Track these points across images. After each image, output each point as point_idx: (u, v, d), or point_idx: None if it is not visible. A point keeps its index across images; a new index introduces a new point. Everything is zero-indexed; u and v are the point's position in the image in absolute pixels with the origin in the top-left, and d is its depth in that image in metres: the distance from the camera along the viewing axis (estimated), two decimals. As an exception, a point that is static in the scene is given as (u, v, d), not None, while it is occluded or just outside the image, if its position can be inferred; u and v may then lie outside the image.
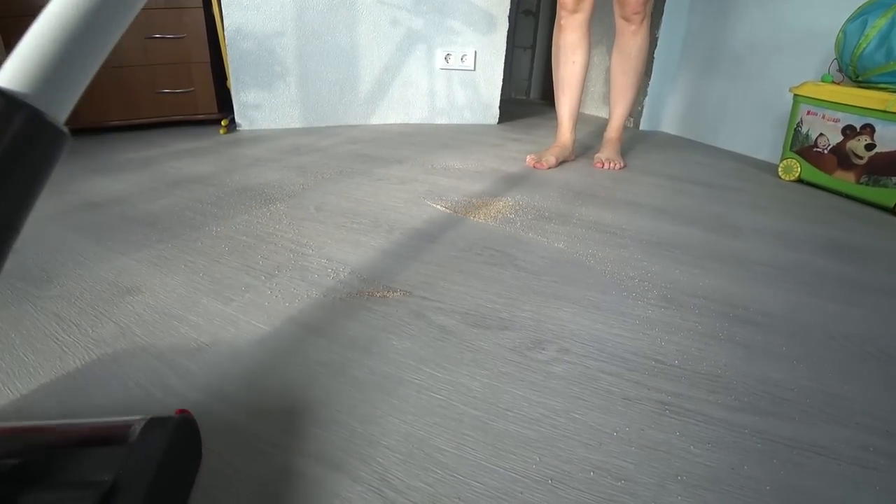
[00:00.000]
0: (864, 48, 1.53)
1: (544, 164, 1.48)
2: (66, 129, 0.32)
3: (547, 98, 4.03)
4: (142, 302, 0.67)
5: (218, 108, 2.01)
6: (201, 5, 1.84)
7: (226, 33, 1.81)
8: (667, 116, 2.77)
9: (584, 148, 1.84)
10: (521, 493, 0.39)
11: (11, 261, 0.77)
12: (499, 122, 2.42)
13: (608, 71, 1.68)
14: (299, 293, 0.68)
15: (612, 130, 1.66)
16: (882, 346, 0.68)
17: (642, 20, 1.43)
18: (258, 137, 1.80)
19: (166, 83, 1.90)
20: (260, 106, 1.97)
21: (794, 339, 0.67)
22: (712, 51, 2.43)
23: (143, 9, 1.47)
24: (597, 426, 0.46)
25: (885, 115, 1.48)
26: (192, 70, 1.92)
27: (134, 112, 1.90)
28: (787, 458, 0.46)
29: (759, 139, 2.13)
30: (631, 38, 1.47)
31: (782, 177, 1.83)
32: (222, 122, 1.94)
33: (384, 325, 0.61)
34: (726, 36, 2.35)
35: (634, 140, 2.25)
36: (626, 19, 1.43)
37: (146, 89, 1.88)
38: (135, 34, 1.79)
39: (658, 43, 2.56)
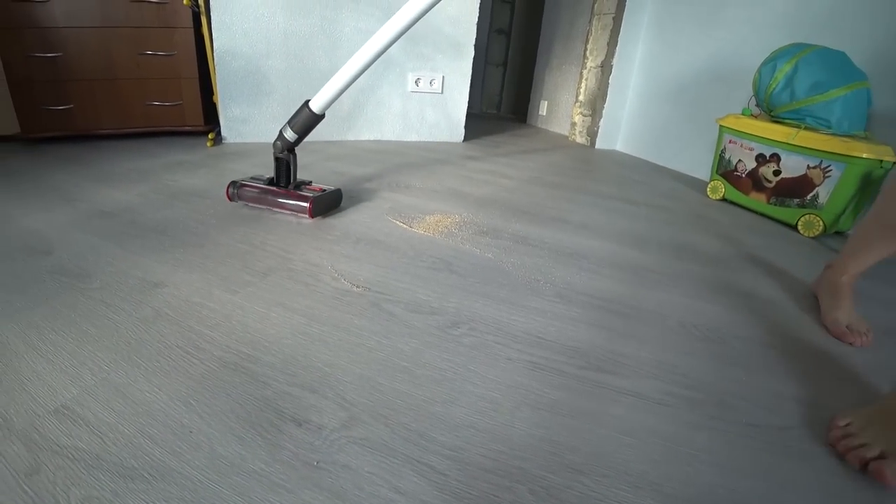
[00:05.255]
0: (774, 88, 1.82)
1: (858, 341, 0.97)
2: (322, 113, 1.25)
3: (516, 112, 4.32)
4: (168, 293, 0.90)
5: (204, 121, 2.20)
6: (191, 26, 2.04)
7: (215, 54, 2.01)
8: (621, 136, 3.05)
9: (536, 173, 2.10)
10: (428, 408, 0.64)
11: (51, 260, 0.99)
12: (464, 140, 2.67)
13: None
14: (287, 287, 0.92)
15: (848, 275, 1.05)
16: (720, 333, 0.94)
17: None
18: (243, 151, 2.01)
19: (156, 96, 2.08)
20: (246, 121, 2.18)
21: (650, 326, 0.93)
22: (661, 78, 2.72)
23: (137, 27, 1.79)
24: (482, 374, 0.72)
25: (789, 146, 1.77)
26: (181, 84, 2.11)
27: (125, 121, 2.07)
28: (609, 397, 0.71)
29: (699, 160, 2.41)
30: None
31: (710, 195, 2.13)
32: (209, 136, 2.14)
33: (350, 310, 0.85)
34: (673, 66, 2.64)
35: (588, 158, 2.51)
36: None
37: (137, 101, 2.05)
38: (129, 49, 1.96)
39: (613, 70, 2.84)
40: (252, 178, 1.36)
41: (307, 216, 1.25)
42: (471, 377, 0.71)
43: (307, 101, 1.24)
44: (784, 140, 1.75)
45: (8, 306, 0.84)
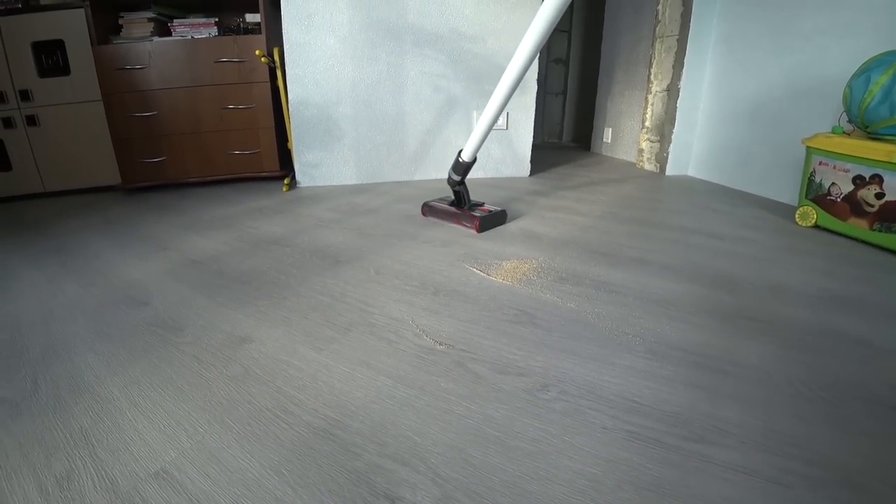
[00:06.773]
0: (869, 102, 1.67)
1: None
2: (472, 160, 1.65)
3: (578, 140, 4.26)
4: (255, 349, 0.92)
5: (280, 167, 2.33)
6: (268, 80, 2.17)
7: (290, 104, 2.13)
8: (692, 161, 2.91)
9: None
10: (524, 486, 0.60)
11: (148, 311, 1.05)
12: (530, 175, 2.64)
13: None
14: (370, 345, 0.92)
15: None
16: (836, 392, 0.83)
17: None
18: (316, 195, 2.09)
19: (237, 145, 2.23)
20: (318, 165, 2.27)
21: (755, 386, 0.85)
22: (733, 98, 2.58)
23: (220, 84, 1.94)
24: (578, 445, 0.67)
25: (893, 165, 1.59)
26: (259, 134, 2.25)
27: (209, 170, 2.23)
28: (718, 475, 0.65)
29: (781, 183, 2.23)
30: None
31: (799, 223, 1.96)
32: (285, 181, 2.25)
33: (435, 371, 0.84)
34: (745, 85, 2.49)
35: (660, 187, 2.41)
36: None
37: (220, 151, 2.21)
38: (213, 105, 2.12)
39: (680, 92, 2.74)
40: (439, 199, 1.83)
41: (475, 231, 1.63)
42: (566, 449, 0.66)
43: (460, 151, 1.65)
44: (886, 159, 1.59)
45: (113, 359, 0.90)
